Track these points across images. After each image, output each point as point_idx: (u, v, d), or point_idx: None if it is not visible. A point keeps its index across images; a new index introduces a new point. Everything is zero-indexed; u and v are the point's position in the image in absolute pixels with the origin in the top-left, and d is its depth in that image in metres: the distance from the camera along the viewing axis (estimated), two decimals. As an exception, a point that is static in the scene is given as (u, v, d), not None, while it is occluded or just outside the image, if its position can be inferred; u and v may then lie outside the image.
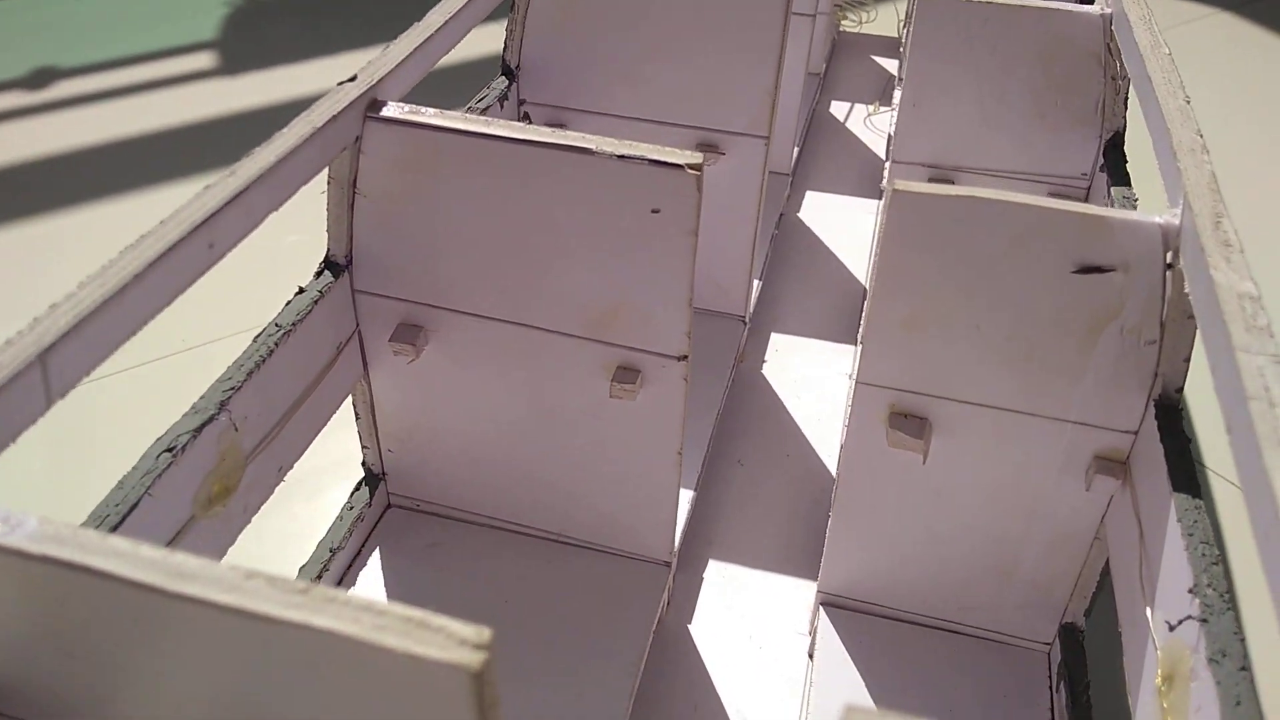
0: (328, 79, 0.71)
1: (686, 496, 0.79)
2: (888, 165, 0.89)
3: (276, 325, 0.60)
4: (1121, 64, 0.77)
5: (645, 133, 0.92)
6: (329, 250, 0.66)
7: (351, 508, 0.76)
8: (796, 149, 1.35)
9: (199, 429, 0.53)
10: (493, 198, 0.61)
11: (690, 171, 0.56)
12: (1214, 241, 0.46)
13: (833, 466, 0.91)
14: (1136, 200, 0.73)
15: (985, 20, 0.80)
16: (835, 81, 1.62)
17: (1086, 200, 0.84)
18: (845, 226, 1.27)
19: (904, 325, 0.58)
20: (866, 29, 1.74)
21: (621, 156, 0.57)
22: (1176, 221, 0.51)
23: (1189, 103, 0.57)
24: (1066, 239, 0.52)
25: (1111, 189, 0.75)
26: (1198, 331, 0.48)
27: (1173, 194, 0.52)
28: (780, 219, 1.26)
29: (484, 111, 0.85)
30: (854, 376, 0.61)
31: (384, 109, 0.61)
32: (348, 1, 2.07)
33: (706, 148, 0.92)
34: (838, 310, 1.11)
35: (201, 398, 0.55)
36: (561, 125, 0.93)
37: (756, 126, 0.90)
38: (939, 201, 0.53)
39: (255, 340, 0.59)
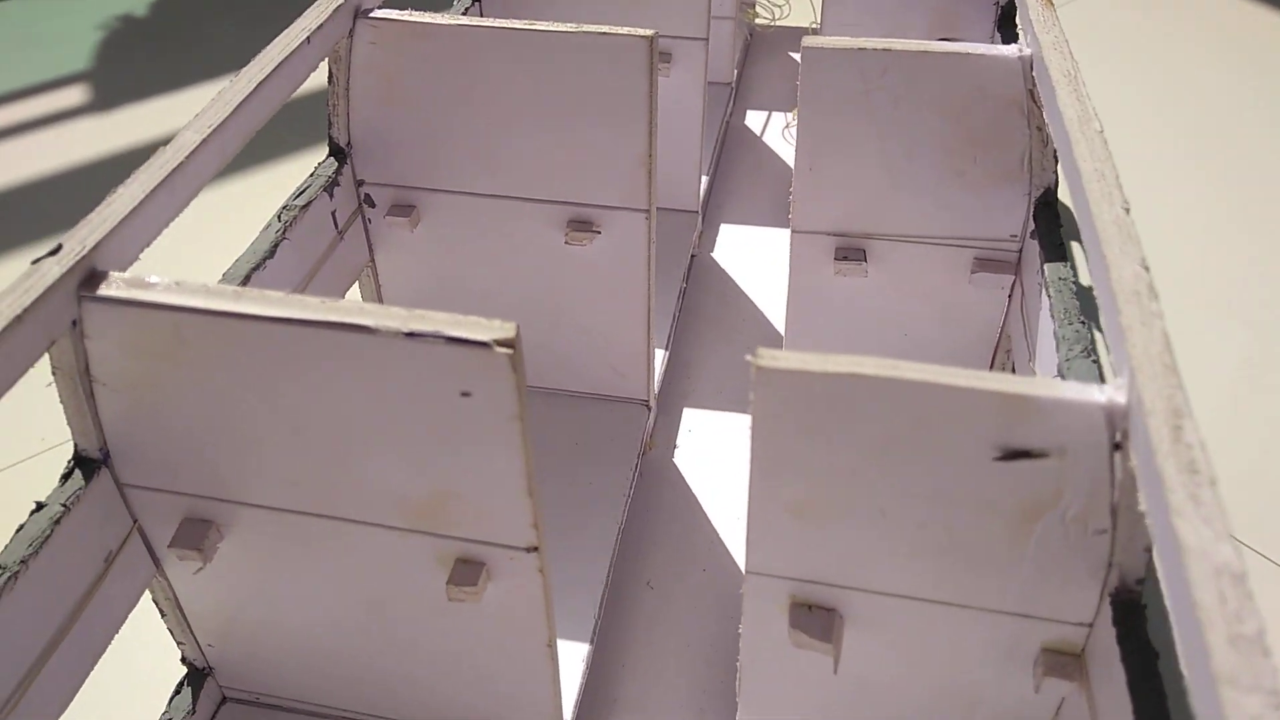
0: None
1: (576, 670, 0.67)
2: (789, 234, 0.76)
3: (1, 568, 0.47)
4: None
5: (509, 212, 0.79)
6: (76, 446, 0.52)
7: (177, 710, 0.64)
8: (706, 178, 1.22)
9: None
10: (267, 386, 0.48)
11: (500, 350, 0.44)
12: (1170, 449, 0.34)
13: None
14: (1075, 283, 0.61)
15: (883, 69, 0.67)
16: (749, 88, 1.49)
17: (1019, 267, 0.73)
18: (763, 264, 1.15)
19: (792, 511, 0.46)
20: (782, 21, 1.61)
21: (411, 334, 0.44)
22: (1123, 400, 0.39)
23: (1128, 210, 0.45)
24: (985, 422, 0.40)
25: (1045, 266, 0.63)
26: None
27: (1117, 358, 0.40)
28: (690, 263, 1.13)
29: (308, 207, 0.72)
30: (745, 566, 0.49)
31: (104, 284, 0.47)
32: (231, 17, 1.90)
33: (580, 224, 0.79)
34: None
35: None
36: (411, 207, 0.80)
37: (634, 198, 0.77)
38: (817, 380, 0.41)
39: None
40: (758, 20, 1.58)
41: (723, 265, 1.15)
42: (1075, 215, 0.51)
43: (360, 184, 0.79)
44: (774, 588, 0.49)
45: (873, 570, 0.46)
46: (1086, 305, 0.59)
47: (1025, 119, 0.67)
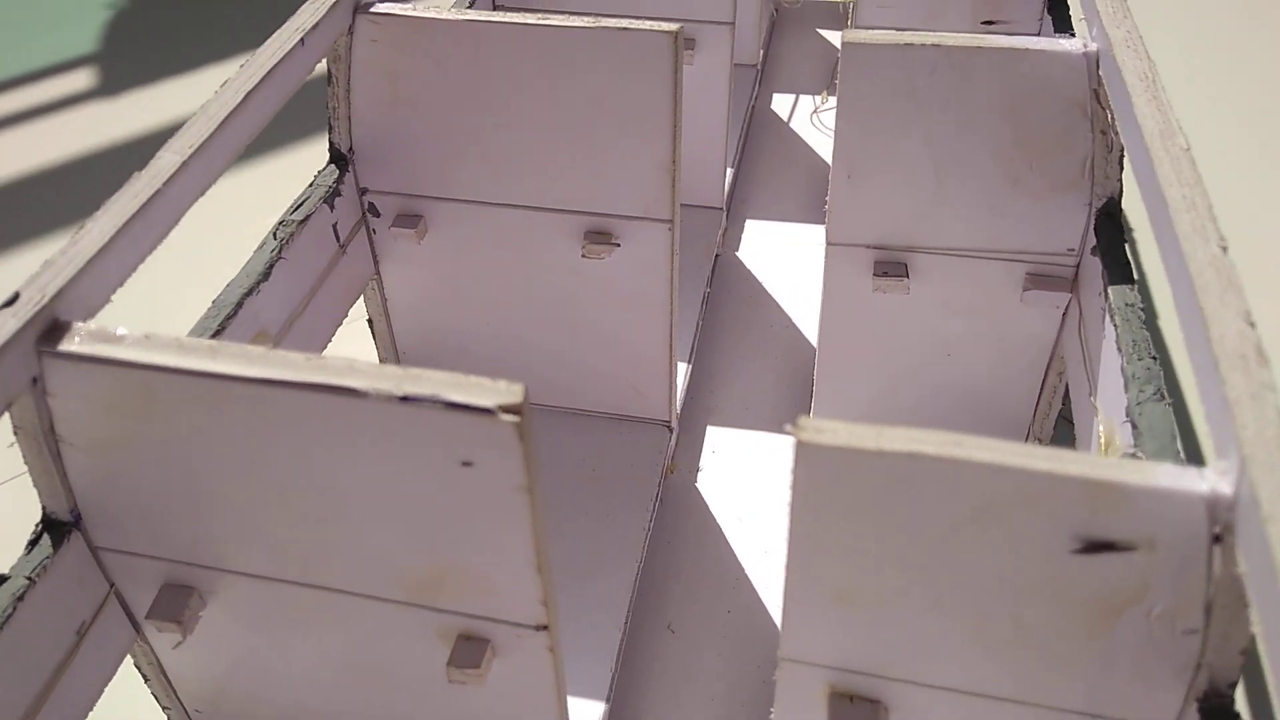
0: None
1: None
2: (824, 246, 0.70)
3: None
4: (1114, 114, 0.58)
5: (522, 222, 0.74)
6: (44, 508, 0.48)
7: None
8: (731, 171, 1.16)
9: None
10: (248, 450, 0.43)
11: (505, 417, 0.38)
12: None
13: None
14: (1141, 310, 0.55)
15: (932, 69, 0.61)
16: (776, 69, 1.42)
17: (1075, 283, 0.66)
18: (792, 263, 1.09)
19: (835, 598, 0.40)
20: (810, -3, 1.53)
21: (406, 398, 0.39)
22: (1229, 490, 0.33)
23: (1226, 249, 0.39)
24: (1065, 511, 0.35)
25: (1109, 289, 0.57)
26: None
27: (1219, 436, 0.34)
28: (715, 264, 1.07)
29: (306, 221, 0.66)
30: (780, 652, 0.44)
31: (66, 337, 0.42)
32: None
33: (598, 235, 0.73)
34: (787, 385, 0.94)
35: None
36: (418, 217, 0.75)
37: (657, 208, 0.71)
38: (868, 459, 0.36)
39: None
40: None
41: (749, 266, 1.09)
42: (1160, 253, 0.45)
43: (364, 192, 0.74)
44: (812, 677, 0.43)
45: (925, 662, 0.41)
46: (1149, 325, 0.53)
47: (1089, 121, 0.61)
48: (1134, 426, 0.49)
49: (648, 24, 0.63)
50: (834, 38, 1.48)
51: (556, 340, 0.81)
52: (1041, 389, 0.74)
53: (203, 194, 0.53)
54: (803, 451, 0.36)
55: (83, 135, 1.57)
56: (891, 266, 0.70)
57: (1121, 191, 0.63)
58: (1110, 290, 0.57)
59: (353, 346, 0.98)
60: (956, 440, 0.35)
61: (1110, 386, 0.56)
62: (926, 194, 0.66)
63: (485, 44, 0.66)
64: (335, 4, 0.63)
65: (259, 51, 0.59)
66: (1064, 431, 0.76)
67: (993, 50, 0.59)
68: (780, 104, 1.36)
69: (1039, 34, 0.91)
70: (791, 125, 1.32)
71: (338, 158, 0.71)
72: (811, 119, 1.32)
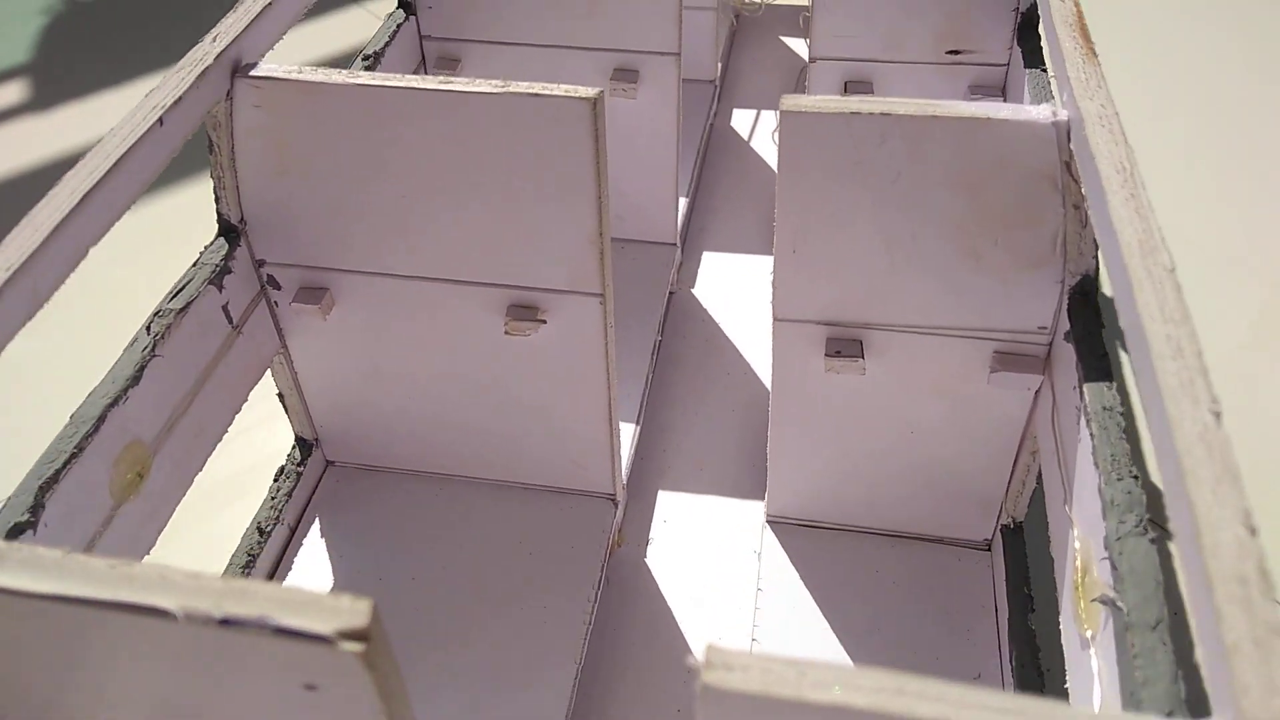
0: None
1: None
2: (771, 322, 0.64)
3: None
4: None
5: (437, 295, 0.67)
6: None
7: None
8: (685, 200, 1.09)
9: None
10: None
11: (347, 645, 0.31)
12: None
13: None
14: (1121, 414, 0.49)
15: (881, 139, 0.54)
16: (736, 82, 1.35)
17: (1049, 363, 0.60)
18: (751, 299, 1.02)
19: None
20: (773, 0, 1.45)
21: (226, 621, 0.32)
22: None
23: (1220, 415, 0.33)
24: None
25: (1084, 388, 0.51)
26: None
27: (1218, 694, 0.28)
28: (669, 302, 1.00)
29: (188, 309, 0.59)
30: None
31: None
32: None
33: (523, 310, 0.66)
34: (745, 440, 0.87)
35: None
36: (322, 290, 0.68)
37: (585, 280, 0.64)
38: (781, 710, 0.29)
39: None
40: (745, 2, 1.43)
41: (705, 305, 1.02)
42: (1141, 403, 0.38)
43: (261, 264, 0.67)
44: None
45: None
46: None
47: (1059, 194, 0.54)
48: (1113, 566, 0.43)
49: (563, 90, 0.56)
50: (797, 45, 1.41)
51: (485, 415, 0.74)
52: (1014, 468, 0.68)
53: (30, 316, 0.45)
54: (707, 697, 0.29)
55: (13, 152, 1.48)
56: (845, 344, 0.63)
57: (1098, 268, 0.56)
58: (1086, 389, 0.50)
59: (263, 426, 0.91)
60: (897, 686, 0.28)
61: (1087, 499, 0.49)
62: (879, 269, 0.59)
63: (381, 110, 0.58)
64: (205, 71, 0.56)
65: (110, 134, 0.51)
66: (1039, 508, 0.69)
67: (949, 120, 0.52)
68: (741, 120, 1.28)
69: (1008, 64, 0.84)
70: (752, 144, 1.25)
71: (227, 230, 0.64)
72: (773, 137, 1.25)
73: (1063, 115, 0.51)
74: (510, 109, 0.57)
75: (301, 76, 0.58)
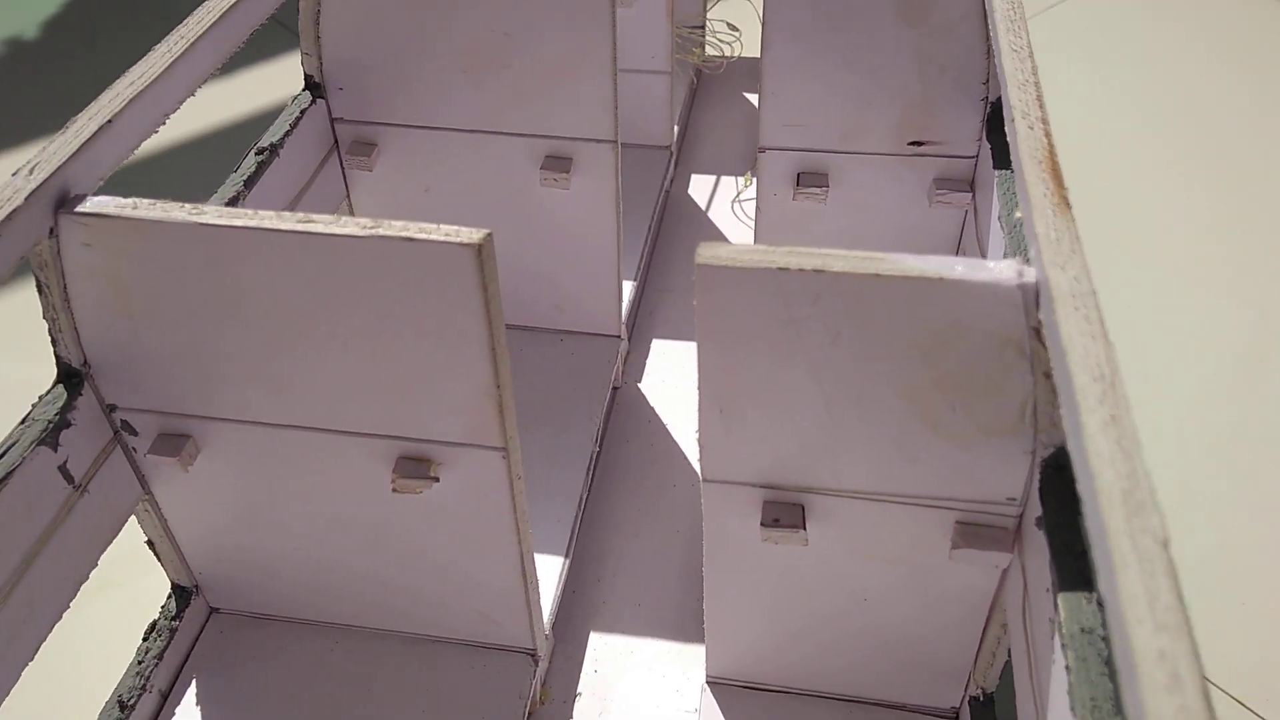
0: None
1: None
2: (702, 484, 0.55)
3: None
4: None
5: (317, 447, 0.58)
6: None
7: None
8: (632, 285, 1.00)
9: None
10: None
11: None
12: None
13: None
14: (1103, 638, 0.40)
15: (816, 295, 0.45)
16: (696, 145, 1.26)
17: (1019, 537, 0.51)
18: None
19: None
20: (737, 53, 1.37)
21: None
22: None
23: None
24: None
25: (1059, 600, 0.42)
26: None
27: None
28: (612, 398, 0.92)
29: (9, 477, 0.50)
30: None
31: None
32: (138, 35, 1.64)
33: (414, 464, 0.57)
34: (691, 566, 0.78)
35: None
36: (184, 438, 0.58)
37: (482, 434, 0.55)
38: None
39: None
40: (707, 55, 1.34)
41: (652, 400, 0.93)
42: (1117, 663, 0.30)
43: (112, 409, 0.57)
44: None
45: None
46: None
47: (1028, 361, 0.45)
48: None
49: (443, 233, 0.47)
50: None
51: (382, 568, 0.65)
52: (982, 638, 0.59)
53: None
54: None
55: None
56: (784, 510, 0.54)
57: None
58: (1061, 602, 0.42)
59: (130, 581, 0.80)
60: None
61: None
62: (820, 432, 0.50)
63: (230, 252, 0.49)
64: (15, 211, 0.47)
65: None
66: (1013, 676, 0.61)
67: (895, 279, 0.43)
68: (700, 187, 1.20)
69: (976, 156, 0.75)
70: (710, 215, 1.16)
71: (68, 375, 0.55)
72: (733, 206, 1.17)
73: (1030, 276, 0.42)
74: (381, 253, 0.48)
75: (136, 214, 0.48)
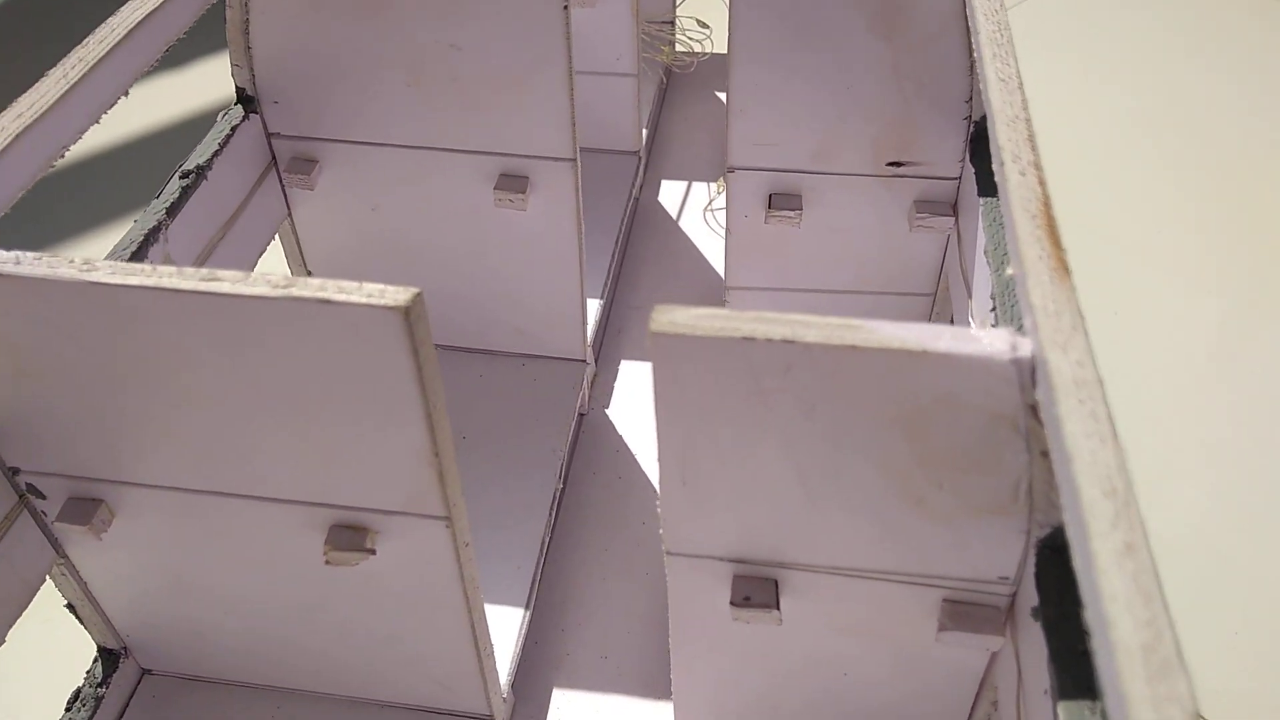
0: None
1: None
2: (666, 557, 0.50)
3: None
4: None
5: (243, 514, 0.52)
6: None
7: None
8: (598, 304, 0.95)
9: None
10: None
11: None
12: None
13: None
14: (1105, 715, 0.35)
15: (787, 367, 0.40)
16: (666, 149, 1.21)
17: (1012, 618, 0.46)
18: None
19: None
20: (709, 49, 1.31)
21: None
22: None
23: None
24: None
25: (1059, 706, 0.37)
26: None
27: None
28: (577, 426, 0.87)
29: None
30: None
31: None
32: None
33: (349, 533, 0.52)
34: (650, 625, 0.73)
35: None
36: (96, 502, 0.53)
37: (421, 503, 0.50)
38: None
39: None
40: (677, 53, 1.28)
41: (620, 427, 0.88)
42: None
43: (15, 472, 0.52)
44: None
45: None
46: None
47: (1023, 439, 0.41)
48: None
49: (365, 294, 0.42)
50: None
51: (323, 637, 0.60)
52: (972, 713, 0.55)
53: None
54: None
55: None
56: (756, 587, 0.49)
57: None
58: (1062, 711, 0.37)
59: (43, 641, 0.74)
60: None
61: None
62: (794, 505, 0.46)
63: (128, 312, 0.44)
64: None
65: None
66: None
67: (873, 352, 0.38)
68: (671, 193, 1.15)
69: (959, 178, 0.71)
70: (682, 224, 1.11)
71: None
72: (705, 215, 1.12)
73: (1025, 350, 0.38)
74: (296, 315, 0.43)
75: (17, 270, 0.43)
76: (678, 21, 1.27)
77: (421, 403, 0.45)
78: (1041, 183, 0.41)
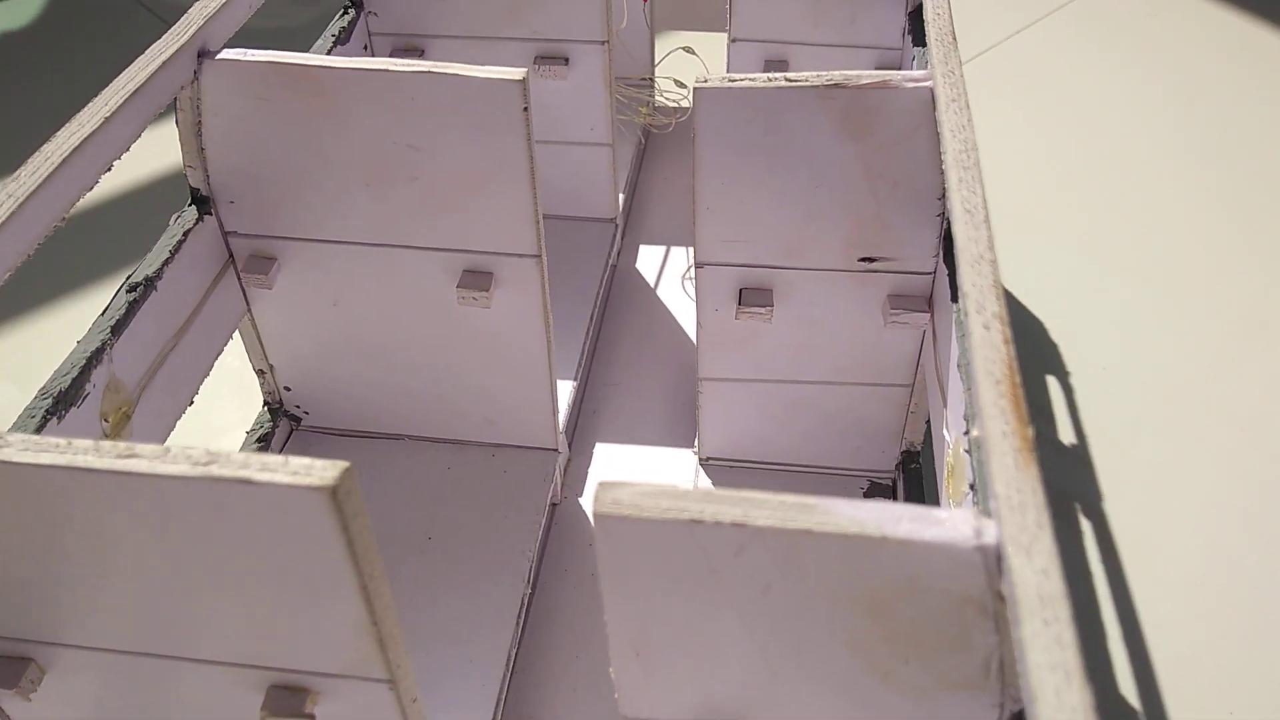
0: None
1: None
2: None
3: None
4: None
5: (169, 674, 0.49)
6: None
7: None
8: (572, 385, 0.92)
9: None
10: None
11: None
12: None
13: None
14: None
15: (739, 548, 0.38)
16: (644, 214, 1.18)
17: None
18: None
19: None
20: (689, 109, 1.29)
21: None
22: None
23: None
24: None
25: None
26: None
27: None
28: (549, 517, 0.84)
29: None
30: None
31: None
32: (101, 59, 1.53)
33: (286, 695, 0.49)
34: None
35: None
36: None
37: (363, 666, 0.47)
38: None
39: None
40: (655, 113, 1.26)
41: (594, 521, 0.86)
42: None
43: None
44: None
45: None
46: None
47: (991, 620, 0.38)
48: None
49: (289, 473, 0.39)
50: None
51: None
52: None
53: None
54: None
55: None
56: (716, 748, 0.46)
57: (1048, 698, 0.40)
58: None
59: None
60: None
61: None
62: (756, 678, 0.43)
63: (39, 488, 0.41)
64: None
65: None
66: None
67: (829, 537, 0.36)
68: (649, 259, 1.12)
69: (934, 273, 0.68)
70: (660, 292, 1.08)
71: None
72: (683, 282, 1.09)
73: (990, 536, 0.35)
74: (217, 496, 0.40)
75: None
76: (655, 80, 1.25)
77: (355, 577, 0.42)
78: (1006, 341, 0.39)
